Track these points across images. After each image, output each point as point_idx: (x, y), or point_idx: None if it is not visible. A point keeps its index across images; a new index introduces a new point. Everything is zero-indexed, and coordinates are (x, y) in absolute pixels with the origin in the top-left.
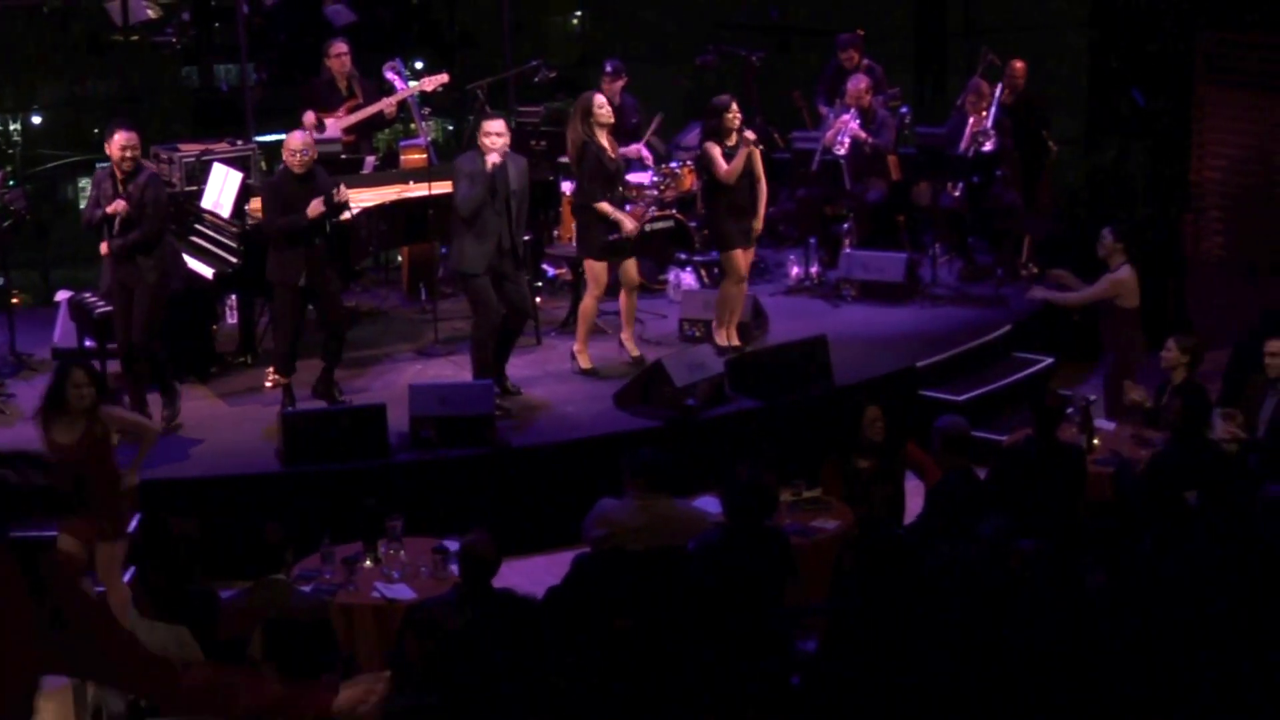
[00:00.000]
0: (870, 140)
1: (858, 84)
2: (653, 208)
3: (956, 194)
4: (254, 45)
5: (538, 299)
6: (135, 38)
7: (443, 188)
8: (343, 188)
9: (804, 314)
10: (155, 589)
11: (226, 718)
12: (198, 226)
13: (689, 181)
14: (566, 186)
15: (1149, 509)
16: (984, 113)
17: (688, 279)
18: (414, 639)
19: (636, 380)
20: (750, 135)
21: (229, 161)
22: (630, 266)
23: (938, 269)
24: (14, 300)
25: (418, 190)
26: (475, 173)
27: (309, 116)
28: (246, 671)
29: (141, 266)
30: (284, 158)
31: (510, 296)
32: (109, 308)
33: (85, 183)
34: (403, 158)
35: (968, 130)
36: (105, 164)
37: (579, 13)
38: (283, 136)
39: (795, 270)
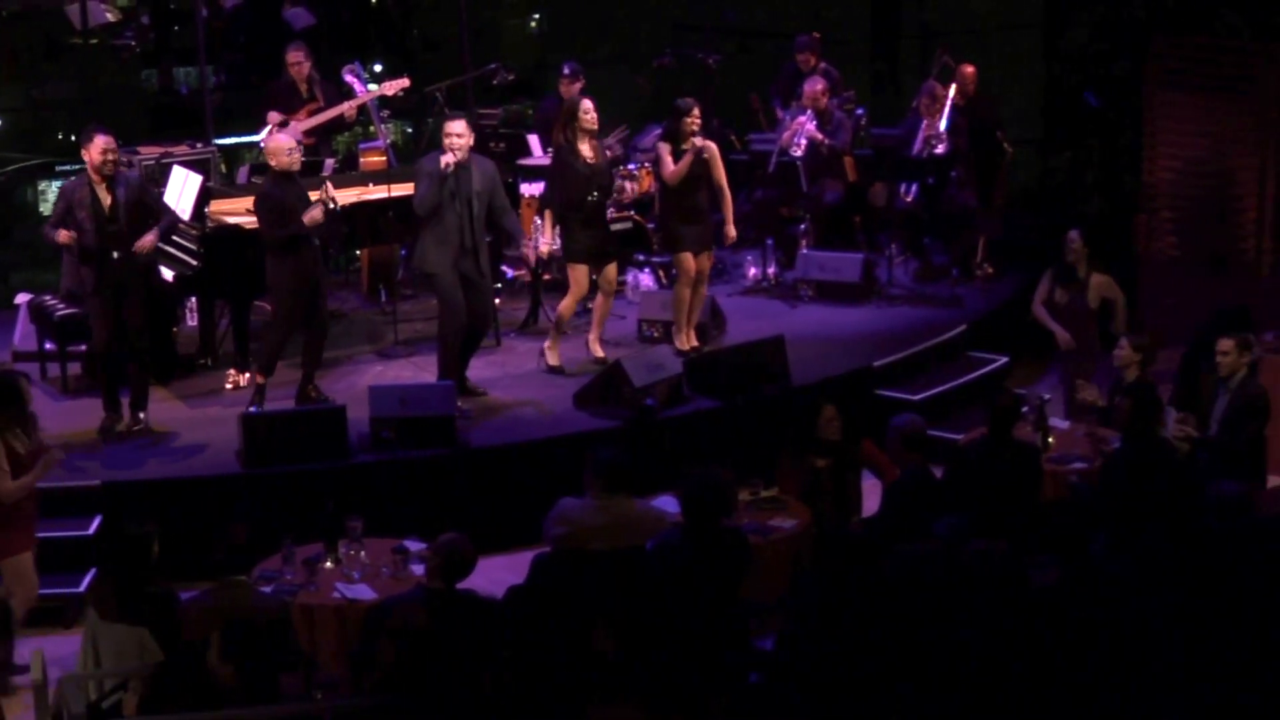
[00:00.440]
0: (827, 142)
1: (814, 86)
2: (610, 209)
3: (909, 197)
4: (213, 48)
5: (496, 300)
6: (94, 41)
7: (402, 190)
8: (330, 186)
9: (761, 314)
10: (115, 590)
11: None
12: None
13: (647, 183)
14: (525, 189)
15: (1101, 507)
16: (938, 115)
17: (646, 280)
18: (385, 639)
19: (596, 381)
20: (698, 143)
21: (189, 164)
22: (611, 271)
23: (894, 269)
24: None
25: (377, 192)
26: (434, 172)
27: (273, 116)
28: None
29: (142, 266)
30: (272, 162)
31: (472, 303)
32: (70, 310)
33: (45, 185)
34: (362, 160)
35: (921, 132)
36: (68, 168)
37: (537, 15)
38: (243, 140)
39: (752, 271)
